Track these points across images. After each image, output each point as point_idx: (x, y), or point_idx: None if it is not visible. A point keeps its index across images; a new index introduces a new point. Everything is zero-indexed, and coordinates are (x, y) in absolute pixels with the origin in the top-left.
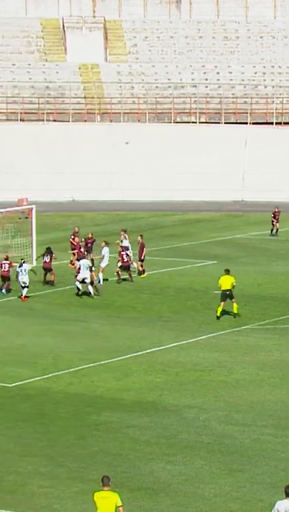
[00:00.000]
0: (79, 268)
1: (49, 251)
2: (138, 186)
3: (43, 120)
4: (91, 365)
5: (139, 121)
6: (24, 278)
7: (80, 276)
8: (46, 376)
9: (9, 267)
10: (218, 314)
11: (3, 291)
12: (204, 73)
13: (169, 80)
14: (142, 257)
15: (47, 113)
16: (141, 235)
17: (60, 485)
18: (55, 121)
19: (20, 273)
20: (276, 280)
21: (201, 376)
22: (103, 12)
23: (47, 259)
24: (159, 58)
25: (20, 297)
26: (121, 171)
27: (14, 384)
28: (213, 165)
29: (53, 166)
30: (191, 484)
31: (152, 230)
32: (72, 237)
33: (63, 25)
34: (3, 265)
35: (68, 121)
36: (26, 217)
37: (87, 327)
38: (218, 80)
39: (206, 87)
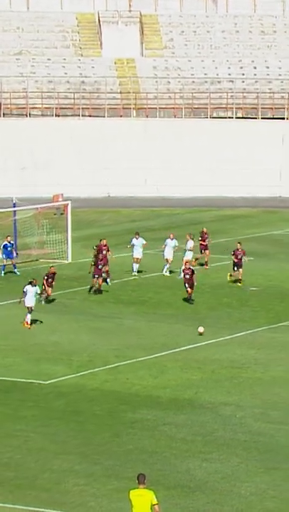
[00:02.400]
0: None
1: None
2: (174, 182)
3: (79, 115)
4: (126, 362)
5: (175, 116)
6: (31, 301)
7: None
8: (81, 373)
9: None
10: None
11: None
12: (241, 68)
13: (205, 74)
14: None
15: (82, 108)
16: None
17: (95, 483)
18: (90, 116)
19: (27, 294)
20: None
21: (238, 373)
22: (139, 6)
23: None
24: (196, 53)
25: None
26: (157, 166)
27: (49, 381)
28: (249, 161)
29: (88, 161)
30: (227, 482)
31: (188, 226)
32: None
33: (99, 20)
34: None
35: (104, 117)
36: (62, 214)
37: (122, 324)
38: (255, 74)
39: (243, 81)
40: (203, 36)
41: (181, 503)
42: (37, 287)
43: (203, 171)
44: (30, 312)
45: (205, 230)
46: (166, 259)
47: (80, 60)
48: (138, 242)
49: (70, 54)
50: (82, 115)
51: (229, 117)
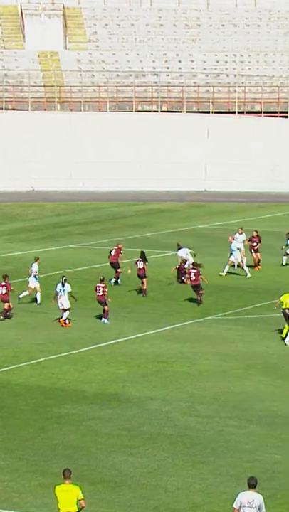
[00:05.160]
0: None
1: (143, 256)
2: (99, 176)
3: (2, 108)
4: (52, 357)
5: (99, 110)
6: (64, 300)
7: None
8: (6, 368)
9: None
10: (283, 336)
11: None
12: (166, 61)
13: (130, 68)
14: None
15: (5, 101)
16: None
17: (20, 478)
18: (14, 109)
19: (60, 293)
20: (239, 271)
21: (164, 367)
22: None
23: (140, 265)
24: (120, 46)
25: (59, 320)
26: (82, 160)
27: None
28: (175, 154)
29: (12, 155)
30: (154, 477)
31: (114, 220)
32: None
33: (21, 12)
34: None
35: (28, 110)
36: None
37: (47, 318)
38: (180, 68)
39: (168, 75)
40: (127, 29)
41: (106, 497)
42: (69, 286)
43: (129, 164)
44: (65, 311)
45: (255, 233)
46: (234, 260)
47: (2, 52)
48: None
49: None
50: (6, 108)
51: (154, 111)
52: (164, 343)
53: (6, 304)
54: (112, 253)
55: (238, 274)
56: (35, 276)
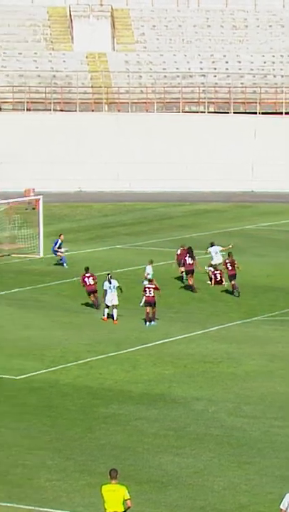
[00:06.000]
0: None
1: (190, 251)
2: (146, 177)
3: (50, 110)
4: (99, 357)
5: (147, 110)
6: (112, 296)
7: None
8: (54, 368)
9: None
10: None
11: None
12: (213, 62)
13: (177, 69)
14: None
15: (54, 102)
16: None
17: (67, 478)
18: (62, 110)
19: (108, 290)
20: (285, 271)
21: (210, 368)
22: (110, 0)
23: (190, 260)
24: (167, 47)
25: (103, 319)
26: (129, 161)
27: (21, 377)
28: (221, 155)
29: (59, 156)
30: (200, 477)
31: (161, 221)
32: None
33: (70, 14)
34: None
35: (75, 111)
36: (33, 208)
37: (94, 319)
38: (227, 69)
39: (215, 76)
40: (174, 31)
41: (153, 498)
42: (115, 281)
43: (175, 165)
44: (107, 307)
45: None
46: None
47: (51, 54)
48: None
49: (41, 48)
50: (54, 109)
51: (201, 112)
52: (210, 344)
53: (94, 295)
54: (179, 252)
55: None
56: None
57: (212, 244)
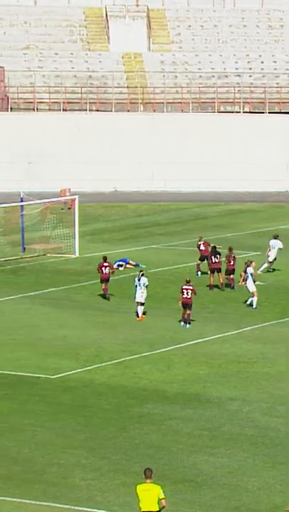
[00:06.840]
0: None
1: (215, 251)
2: (181, 177)
3: (86, 110)
4: (133, 356)
5: (182, 111)
6: (140, 293)
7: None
8: (88, 368)
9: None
10: None
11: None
12: (248, 62)
13: (212, 69)
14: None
15: (90, 102)
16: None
17: (102, 477)
18: (97, 111)
19: (138, 288)
20: None
21: (245, 368)
22: (146, 1)
23: (215, 259)
24: (203, 47)
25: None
26: (164, 161)
27: (56, 376)
28: (256, 155)
29: (95, 156)
30: (234, 477)
31: (196, 221)
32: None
33: (106, 14)
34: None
35: (111, 111)
36: (69, 208)
37: (129, 318)
38: (263, 69)
39: (250, 76)
40: (210, 31)
41: (188, 497)
42: (145, 279)
43: (210, 165)
44: (141, 305)
45: None
46: None
47: (87, 54)
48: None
49: (78, 48)
50: (90, 110)
51: (236, 112)
52: (244, 344)
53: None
54: (202, 247)
55: None
56: None
57: (275, 237)
